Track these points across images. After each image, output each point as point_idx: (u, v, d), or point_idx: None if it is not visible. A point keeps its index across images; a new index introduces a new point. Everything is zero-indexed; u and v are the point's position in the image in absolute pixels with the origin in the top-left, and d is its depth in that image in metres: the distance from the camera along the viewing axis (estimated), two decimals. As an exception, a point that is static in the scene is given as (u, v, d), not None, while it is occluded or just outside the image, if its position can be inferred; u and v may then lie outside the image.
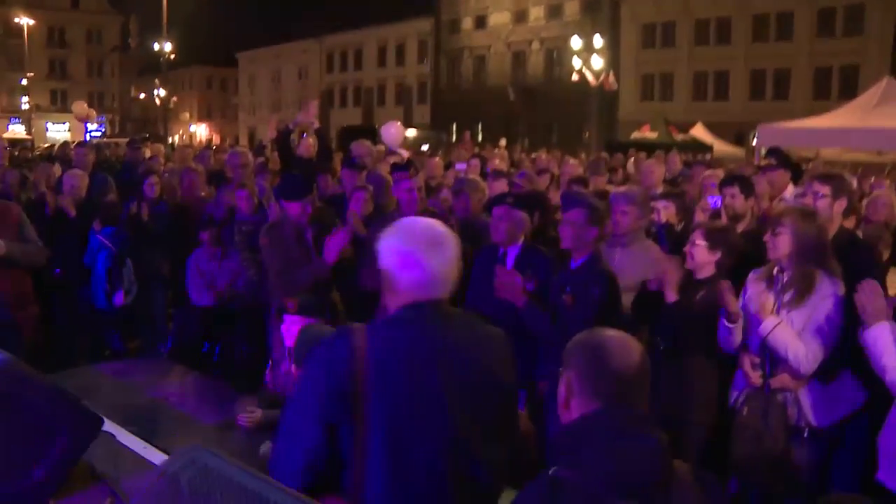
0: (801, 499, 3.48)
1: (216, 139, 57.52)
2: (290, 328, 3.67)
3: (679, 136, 23.07)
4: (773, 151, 6.00)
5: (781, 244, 3.48)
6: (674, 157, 9.90)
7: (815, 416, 3.44)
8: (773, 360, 3.48)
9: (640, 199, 4.56)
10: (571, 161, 9.51)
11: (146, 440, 3.26)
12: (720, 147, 23.88)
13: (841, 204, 3.86)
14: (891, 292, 3.61)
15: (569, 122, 37.39)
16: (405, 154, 10.18)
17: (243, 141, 53.65)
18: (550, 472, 1.68)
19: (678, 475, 1.73)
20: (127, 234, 6.21)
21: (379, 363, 1.94)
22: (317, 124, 8.37)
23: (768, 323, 3.41)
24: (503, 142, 19.48)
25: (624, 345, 1.82)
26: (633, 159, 12.59)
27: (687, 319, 3.71)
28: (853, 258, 3.62)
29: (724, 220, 4.63)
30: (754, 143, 14.70)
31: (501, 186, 6.54)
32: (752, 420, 3.47)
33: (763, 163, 5.72)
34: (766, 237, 3.55)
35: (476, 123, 40.73)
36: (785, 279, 3.53)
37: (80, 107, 16.31)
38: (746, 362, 3.59)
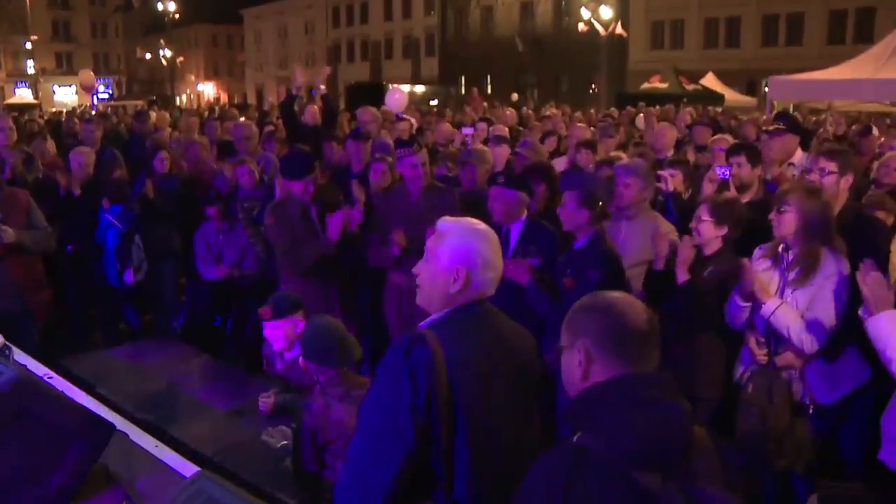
0: (806, 475, 3.51)
1: (224, 98, 57.17)
2: (273, 333, 3.74)
3: (690, 87, 22.76)
4: (781, 116, 5.91)
5: (787, 222, 3.46)
6: (683, 115, 9.74)
7: (819, 392, 3.46)
8: (778, 338, 3.49)
9: (643, 170, 4.52)
10: (579, 123, 9.40)
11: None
12: (731, 96, 23.62)
13: (847, 180, 3.81)
14: (894, 259, 3.60)
15: (578, 72, 36.88)
16: (413, 121, 10.10)
17: (251, 98, 53.36)
18: (574, 439, 1.64)
19: (699, 441, 1.69)
20: (134, 212, 6.19)
21: (456, 363, 2.02)
22: (323, 90, 8.35)
23: (770, 305, 3.42)
24: (515, 96, 19.29)
25: (631, 303, 1.81)
26: (641, 115, 12.44)
27: (696, 297, 3.71)
28: (859, 234, 3.59)
29: (732, 190, 4.58)
30: (766, 91, 14.48)
31: (503, 153, 6.49)
32: (757, 397, 3.48)
33: (771, 127, 5.63)
34: (772, 215, 3.52)
35: (484, 76, 40.25)
36: (790, 257, 3.51)
37: (87, 76, 16.25)
38: (752, 340, 3.60)
